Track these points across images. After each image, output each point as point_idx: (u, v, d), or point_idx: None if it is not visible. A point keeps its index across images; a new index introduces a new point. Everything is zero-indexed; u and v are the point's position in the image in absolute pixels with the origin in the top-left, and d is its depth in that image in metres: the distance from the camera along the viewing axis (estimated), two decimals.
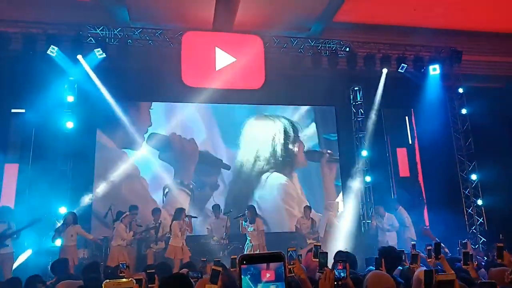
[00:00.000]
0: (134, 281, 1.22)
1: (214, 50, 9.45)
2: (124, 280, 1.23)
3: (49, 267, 6.58)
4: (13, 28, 8.62)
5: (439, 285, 1.52)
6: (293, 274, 2.84)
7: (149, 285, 2.90)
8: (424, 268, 3.12)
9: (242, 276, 1.06)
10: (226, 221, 8.52)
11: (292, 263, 2.82)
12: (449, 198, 10.37)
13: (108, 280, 1.23)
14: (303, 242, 8.53)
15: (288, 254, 2.94)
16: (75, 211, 8.15)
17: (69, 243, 7.42)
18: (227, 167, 10.11)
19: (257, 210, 8.60)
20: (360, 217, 10.35)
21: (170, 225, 7.98)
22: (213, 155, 10.24)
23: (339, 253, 4.23)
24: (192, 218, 8.31)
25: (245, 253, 7.49)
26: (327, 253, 2.91)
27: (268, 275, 1.09)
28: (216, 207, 8.94)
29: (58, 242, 7.48)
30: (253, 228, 8.06)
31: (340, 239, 8.87)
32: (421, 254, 4.25)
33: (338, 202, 8.70)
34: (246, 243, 8.19)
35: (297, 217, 9.33)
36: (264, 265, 1.09)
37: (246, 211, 8.27)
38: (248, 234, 8.10)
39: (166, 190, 9.77)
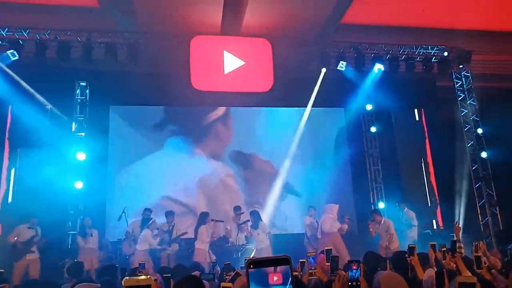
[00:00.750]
0: (153, 278, 1.27)
1: (222, 54, 9.50)
2: (143, 277, 1.26)
3: (64, 269, 6.74)
4: (24, 34, 8.79)
5: (459, 287, 1.52)
6: (313, 277, 2.89)
7: None
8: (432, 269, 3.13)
9: (250, 280, 1.09)
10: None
11: (313, 267, 2.87)
12: (462, 198, 10.29)
13: (127, 278, 1.27)
14: (315, 242, 8.55)
15: (309, 259, 2.99)
16: None
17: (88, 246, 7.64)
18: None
19: None
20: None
21: (197, 229, 8.03)
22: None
23: (369, 254, 4.18)
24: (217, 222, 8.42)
25: (251, 257, 7.54)
26: (338, 256, 2.97)
27: (275, 278, 1.11)
28: (237, 208, 8.91)
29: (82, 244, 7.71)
30: (257, 232, 8.12)
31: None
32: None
33: (338, 205, 8.69)
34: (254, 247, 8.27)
35: None
36: (272, 268, 1.11)
37: (250, 217, 8.31)
38: (254, 238, 8.17)
39: None
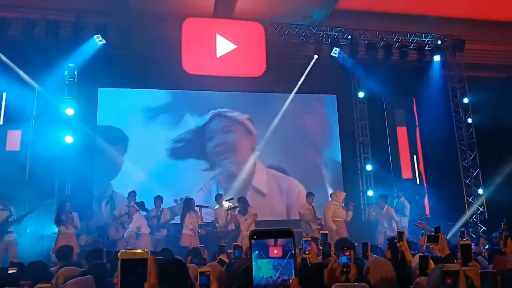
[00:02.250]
0: (149, 252, 1.23)
1: (215, 37, 9.37)
2: (139, 250, 1.24)
3: (52, 253, 6.67)
4: (12, 13, 8.54)
5: (443, 275, 1.51)
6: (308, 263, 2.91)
7: None
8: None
9: (252, 251, 1.08)
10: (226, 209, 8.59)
11: (307, 252, 2.92)
12: (450, 188, 10.40)
13: (124, 250, 1.25)
14: (309, 229, 8.56)
15: (303, 243, 3.03)
16: None
17: (68, 230, 7.45)
18: None
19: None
20: (360, 206, 10.44)
21: (182, 216, 7.97)
22: None
23: (341, 240, 4.27)
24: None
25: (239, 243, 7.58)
26: (330, 243, 3.03)
27: (275, 251, 1.11)
28: (219, 196, 8.92)
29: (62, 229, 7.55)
30: (245, 218, 8.06)
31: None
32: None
33: (345, 193, 8.68)
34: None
35: None
36: (272, 241, 1.11)
37: (237, 203, 8.24)
38: (241, 224, 8.11)
39: None
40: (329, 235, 7.88)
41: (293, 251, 1.10)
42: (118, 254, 1.22)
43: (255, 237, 1.09)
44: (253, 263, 1.07)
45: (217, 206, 8.81)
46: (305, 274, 2.23)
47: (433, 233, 3.77)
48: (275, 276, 1.07)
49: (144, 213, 8.17)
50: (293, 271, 1.07)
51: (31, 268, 4.13)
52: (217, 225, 8.61)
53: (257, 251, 1.08)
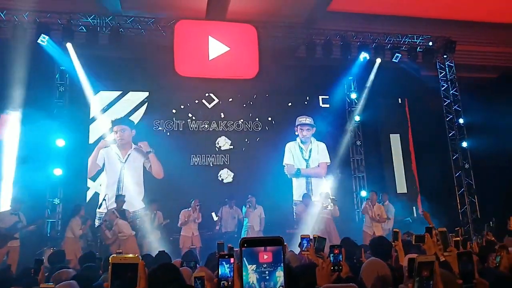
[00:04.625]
0: (140, 257, 1.23)
1: (207, 39, 9.37)
2: (130, 255, 1.25)
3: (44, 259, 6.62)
4: (1, 16, 8.48)
5: (418, 267, 1.51)
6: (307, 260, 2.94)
7: None
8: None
9: (243, 258, 1.09)
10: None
11: (306, 249, 2.97)
12: (442, 186, 10.49)
13: (114, 255, 1.25)
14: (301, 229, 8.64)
15: (303, 241, 3.07)
16: None
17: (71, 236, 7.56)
18: None
19: None
20: (354, 206, 10.49)
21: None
22: None
23: (346, 240, 4.29)
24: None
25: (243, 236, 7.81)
26: (325, 238, 3.07)
27: (265, 256, 1.12)
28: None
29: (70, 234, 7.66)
30: (254, 213, 8.58)
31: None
32: None
33: (328, 192, 8.80)
34: (244, 224, 8.64)
35: None
36: (262, 248, 1.12)
37: (249, 198, 8.63)
38: (249, 219, 8.48)
39: None
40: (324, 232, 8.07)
41: (282, 258, 1.11)
42: (109, 259, 1.22)
43: (245, 244, 1.09)
44: (243, 270, 1.07)
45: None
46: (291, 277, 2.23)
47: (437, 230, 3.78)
48: (265, 283, 1.07)
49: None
50: (283, 279, 1.08)
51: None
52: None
53: (247, 258, 1.08)
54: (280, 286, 1.07)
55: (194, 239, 8.16)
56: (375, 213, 8.70)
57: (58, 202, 8.91)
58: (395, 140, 11.54)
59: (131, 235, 7.82)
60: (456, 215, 10.30)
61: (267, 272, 1.08)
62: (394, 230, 3.77)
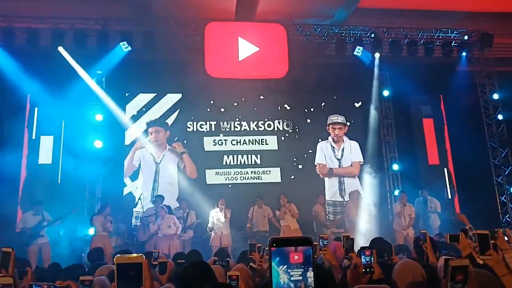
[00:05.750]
0: (144, 256, 1.25)
1: (237, 40, 9.43)
2: (134, 255, 1.27)
3: (84, 255, 6.93)
4: (41, 24, 8.84)
5: (452, 271, 1.48)
6: (324, 261, 2.91)
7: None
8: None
9: (272, 258, 1.08)
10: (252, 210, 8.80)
11: (324, 249, 2.94)
12: (481, 186, 10.09)
13: (118, 255, 1.27)
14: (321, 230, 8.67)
15: (320, 241, 3.05)
16: None
17: (98, 233, 7.77)
18: None
19: None
20: (388, 206, 10.28)
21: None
22: None
23: (376, 240, 4.22)
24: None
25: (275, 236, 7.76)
26: (353, 238, 3.01)
27: (296, 257, 1.11)
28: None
29: (91, 231, 7.85)
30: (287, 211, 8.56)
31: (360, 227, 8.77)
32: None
33: (358, 191, 8.65)
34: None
35: None
36: (293, 248, 1.11)
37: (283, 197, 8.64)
38: (284, 218, 8.51)
39: None
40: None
41: (312, 259, 1.10)
42: (114, 259, 1.25)
43: (274, 244, 1.09)
44: (273, 271, 1.08)
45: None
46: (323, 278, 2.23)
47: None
48: (295, 284, 1.08)
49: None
50: (312, 280, 1.08)
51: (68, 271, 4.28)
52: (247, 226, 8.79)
53: (277, 258, 1.09)
54: (310, 287, 1.07)
55: (223, 238, 8.22)
56: (405, 214, 8.53)
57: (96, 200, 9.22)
58: (429, 127, 11.19)
59: (178, 232, 8.04)
60: (497, 217, 9.91)
61: (298, 273, 1.09)
62: (421, 231, 3.71)
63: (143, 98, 10.35)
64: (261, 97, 10.46)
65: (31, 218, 7.69)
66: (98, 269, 3.31)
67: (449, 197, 10.75)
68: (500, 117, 10.34)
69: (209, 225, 8.53)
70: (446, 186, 10.86)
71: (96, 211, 8.35)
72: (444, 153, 11.15)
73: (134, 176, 9.87)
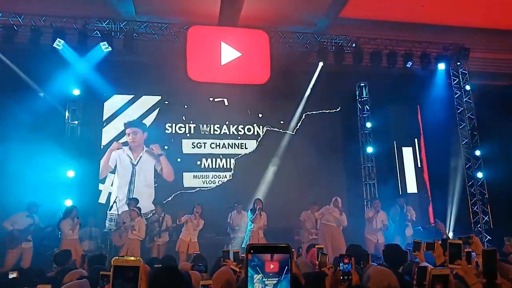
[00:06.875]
0: (141, 260, 1.24)
1: (219, 45, 9.43)
2: (132, 258, 1.26)
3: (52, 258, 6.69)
4: (19, 21, 8.63)
5: (432, 280, 1.48)
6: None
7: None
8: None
9: (249, 265, 1.08)
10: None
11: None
12: (454, 196, 10.32)
13: (116, 257, 1.27)
14: (304, 237, 8.62)
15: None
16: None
17: (68, 236, 7.45)
18: None
19: None
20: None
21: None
22: None
23: (350, 247, 4.22)
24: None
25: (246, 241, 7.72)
26: (326, 255, 3.13)
27: (272, 266, 1.10)
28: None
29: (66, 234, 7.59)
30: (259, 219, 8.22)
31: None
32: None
33: (337, 198, 8.64)
34: (248, 229, 8.25)
35: None
36: (269, 256, 1.10)
37: (254, 204, 8.30)
38: (255, 224, 8.19)
39: None
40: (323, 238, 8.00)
41: (289, 267, 1.09)
42: (112, 261, 1.24)
43: (252, 251, 1.08)
44: (249, 280, 1.06)
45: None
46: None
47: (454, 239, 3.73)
48: None
49: None
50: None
51: (30, 273, 4.16)
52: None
53: (254, 266, 1.08)
54: None
55: (190, 244, 7.89)
56: (378, 220, 8.59)
57: (71, 204, 8.97)
58: (407, 152, 11.45)
59: (141, 238, 7.82)
60: (468, 225, 10.13)
61: (273, 282, 1.07)
62: (415, 240, 3.74)
63: (121, 99, 10.21)
64: (241, 104, 10.48)
65: (23, 219, 7.36)
66: (68, 274, 3.23)
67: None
68: (475, 129, 10.58)
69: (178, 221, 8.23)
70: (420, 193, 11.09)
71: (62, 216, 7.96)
72: (420, 162, 11.38)
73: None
